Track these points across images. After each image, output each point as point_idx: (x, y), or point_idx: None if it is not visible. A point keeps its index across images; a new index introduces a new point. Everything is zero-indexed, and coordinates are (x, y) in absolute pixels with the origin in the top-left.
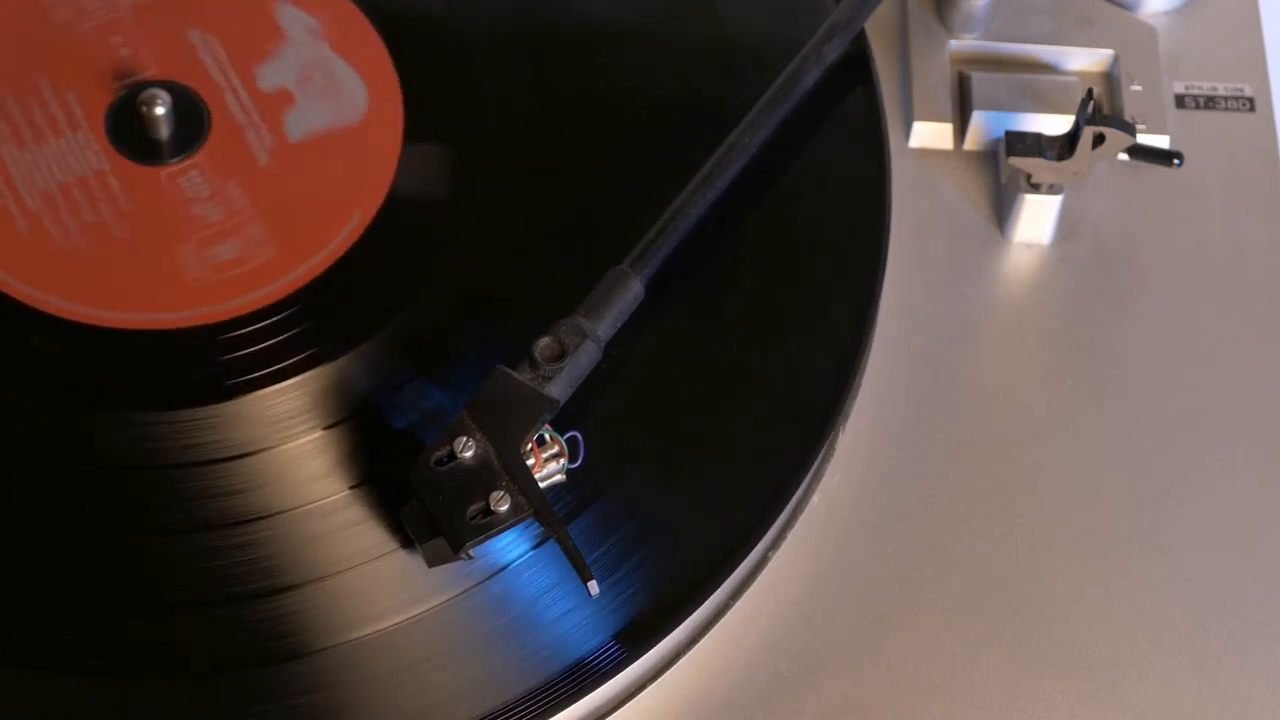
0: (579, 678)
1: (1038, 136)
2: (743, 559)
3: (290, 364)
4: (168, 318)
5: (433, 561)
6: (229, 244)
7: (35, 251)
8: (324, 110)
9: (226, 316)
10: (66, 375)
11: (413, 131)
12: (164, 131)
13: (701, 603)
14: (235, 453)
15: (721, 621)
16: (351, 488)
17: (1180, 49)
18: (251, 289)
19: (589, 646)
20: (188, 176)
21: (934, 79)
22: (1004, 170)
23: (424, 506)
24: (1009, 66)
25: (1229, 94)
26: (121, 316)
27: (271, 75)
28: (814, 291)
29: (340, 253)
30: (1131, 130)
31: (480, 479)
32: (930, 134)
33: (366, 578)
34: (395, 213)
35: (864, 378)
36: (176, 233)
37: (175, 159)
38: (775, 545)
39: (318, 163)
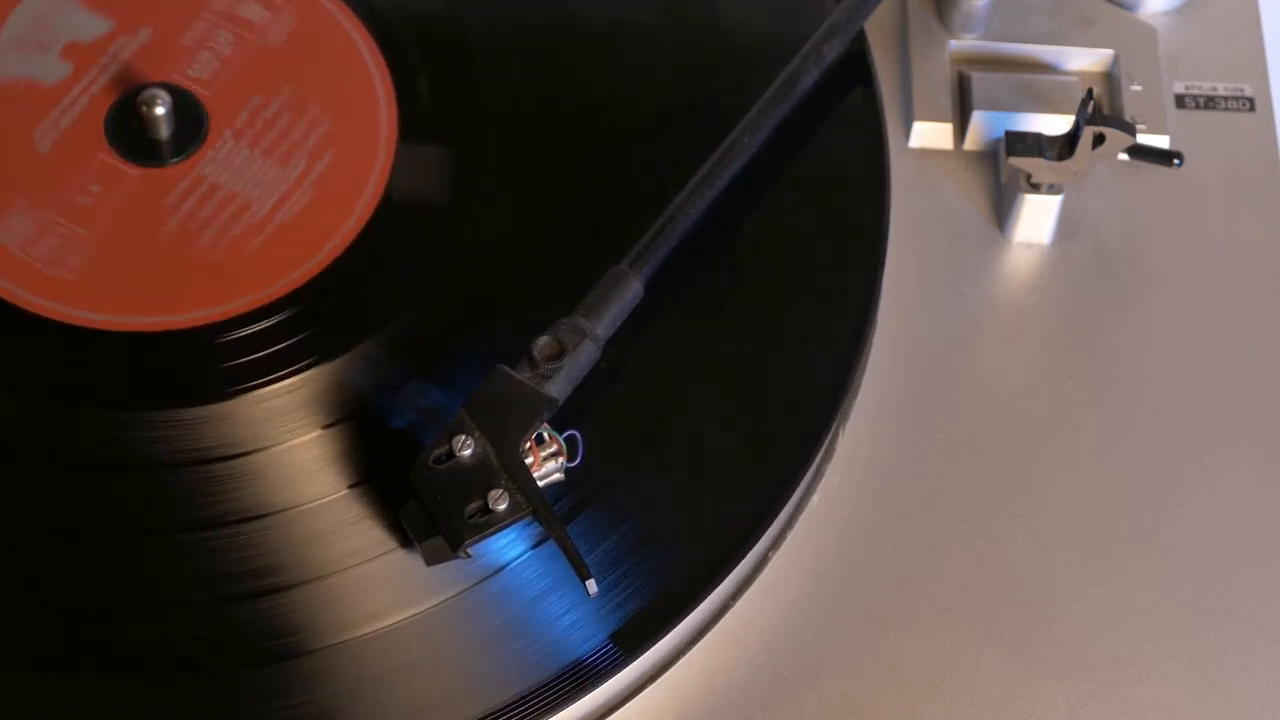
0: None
1: (1038, 136)
2: (743, 559)
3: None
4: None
5: (431, 560)
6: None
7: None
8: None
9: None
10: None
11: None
12: (164, 132)
13: (701, 603)
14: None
15: (721, 621)
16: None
17: (1180, 49)
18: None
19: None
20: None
21: (934, 79)
22: (1004, 170)
23: (423, 505)
24: (1009, 66)
25: (1229, 94)
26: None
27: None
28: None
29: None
30: (1131, 130)
31: (479, 478)
32: (930, 134)
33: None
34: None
35: (864, 378)
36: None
37: (173, 160)
38: (775, 545)
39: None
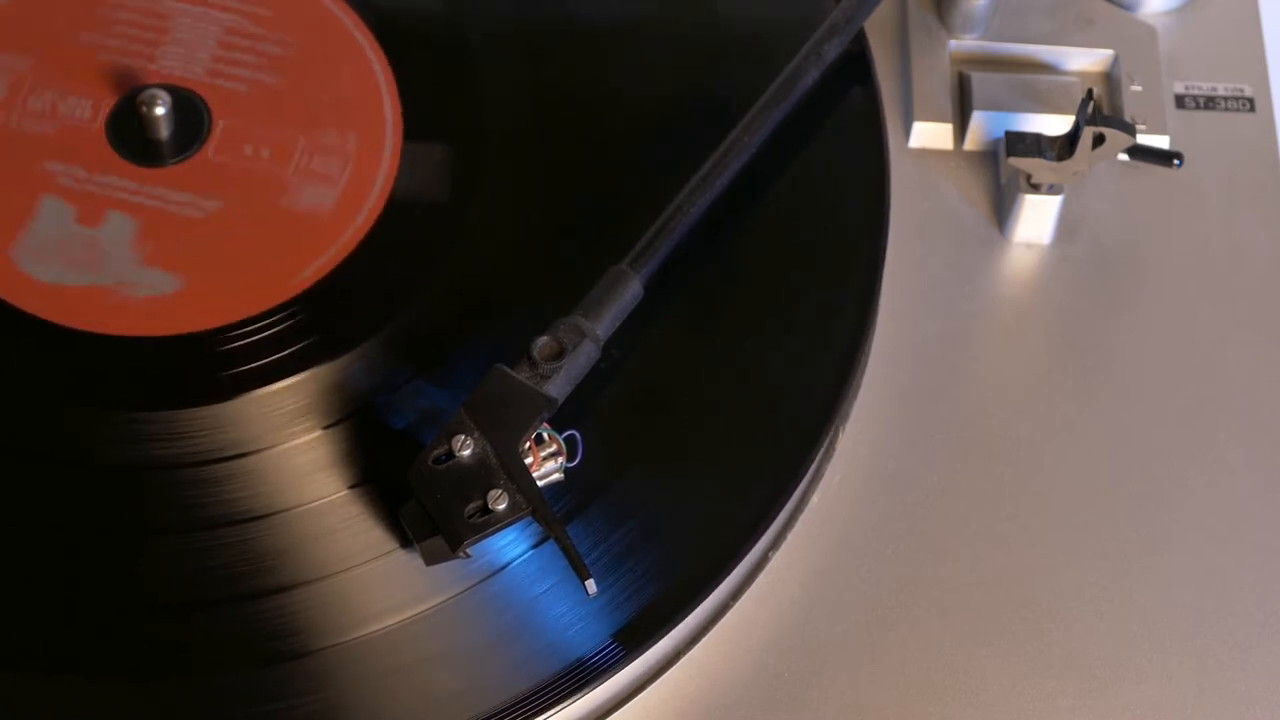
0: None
1: (1038, 136)
2: (743, 559)
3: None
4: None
5: (430, 560)
6: None
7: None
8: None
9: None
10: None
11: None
12: (164, 132)
13: (701, 603)
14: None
15: (721, 621)
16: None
17: (1180, 49)
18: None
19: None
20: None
21: (934, 79)
22: (1004, 170)
23: (422, 505)
24: (1009, 66)
25: (1229, 94)
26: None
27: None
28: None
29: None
30: (1131, 130)
31: (478, 477)
32: (930, 134)
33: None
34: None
35: (864, 378)
36: None
37: (174, 159)
38: (775, 545)
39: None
